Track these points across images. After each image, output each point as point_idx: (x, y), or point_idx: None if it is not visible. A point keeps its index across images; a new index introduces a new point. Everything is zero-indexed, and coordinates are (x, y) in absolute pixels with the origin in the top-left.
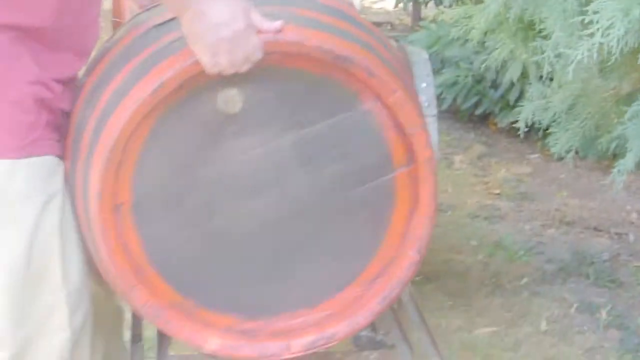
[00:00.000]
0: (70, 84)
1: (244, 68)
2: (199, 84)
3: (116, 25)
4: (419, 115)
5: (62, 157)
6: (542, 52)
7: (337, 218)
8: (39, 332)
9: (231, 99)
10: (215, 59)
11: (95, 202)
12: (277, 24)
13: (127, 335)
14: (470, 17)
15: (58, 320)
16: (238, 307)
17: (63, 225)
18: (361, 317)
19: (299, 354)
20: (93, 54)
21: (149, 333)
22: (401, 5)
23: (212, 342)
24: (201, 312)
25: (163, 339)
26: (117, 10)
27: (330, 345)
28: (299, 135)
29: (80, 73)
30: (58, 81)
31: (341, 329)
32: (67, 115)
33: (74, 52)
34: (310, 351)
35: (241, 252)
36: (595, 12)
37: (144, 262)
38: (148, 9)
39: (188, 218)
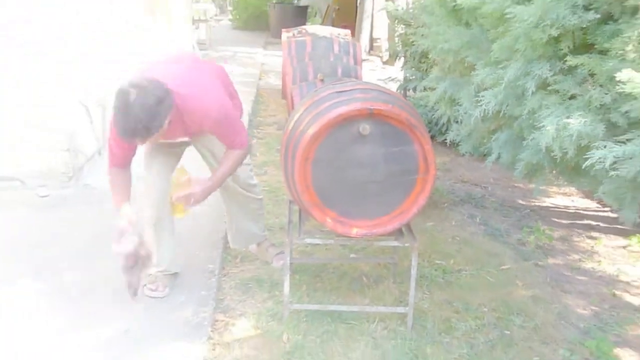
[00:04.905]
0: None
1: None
2: (354, 119)
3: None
4: (434, 157)
5: None
6: (458, 111)
7: (390, 187)
8: None
9: (364, 128)
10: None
11: (299, 156)
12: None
13: (285, 220)
14: (428, 96)
15: None
16: (340, 210)
17: None
18: (388, 228)
19: (357, 237)
20: (306, 97)
21: (295, 218)
22: (395, 90)
23: (327, 222)
24: (325, 209)
25: (301, 222)
26: (284, 92)
27: (370, 235)
28: (386, 150)
29: (299, 102)
30: None
31: (378, 231)
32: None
33: None
34: (361, 237)
35: (349, 190)
36: (482, 97)
37: (310, 185)
38: (333, 84)
39: (332, 171)
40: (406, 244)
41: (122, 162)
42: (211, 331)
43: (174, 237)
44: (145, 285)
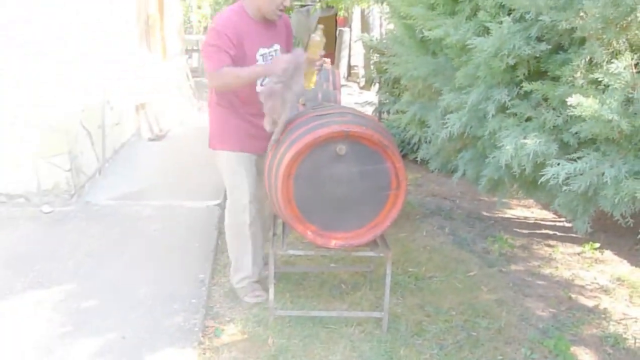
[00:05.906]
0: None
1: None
2: (331, 140)
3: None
4: (405, 174)
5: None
6: (427, 132)
7: (365, 202)
8: None
9: (340, 149)
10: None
11: (282, 173)
12: None
13: (270, 233)
14: (400, 118)
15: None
16: (320, 224)
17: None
18: (364, 239)
19: (335, 248)
20: (286, 119)
21: (278, 231)
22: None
23: (308, 234)
24: (306, 223)
25: (284, 234)
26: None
27: (347, 246)
28: (361, 169)
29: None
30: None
31: (355, 242)
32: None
33: None
34: (339, 248)
35: (328, 204)
36: (448, 119)
37: (292, 200)
38: (313, 108)
39: (312, 187)
40: (381, 254)
41: (227, 63)
42: (202, 336)
43: (263, 246)
44: (246, 295)
